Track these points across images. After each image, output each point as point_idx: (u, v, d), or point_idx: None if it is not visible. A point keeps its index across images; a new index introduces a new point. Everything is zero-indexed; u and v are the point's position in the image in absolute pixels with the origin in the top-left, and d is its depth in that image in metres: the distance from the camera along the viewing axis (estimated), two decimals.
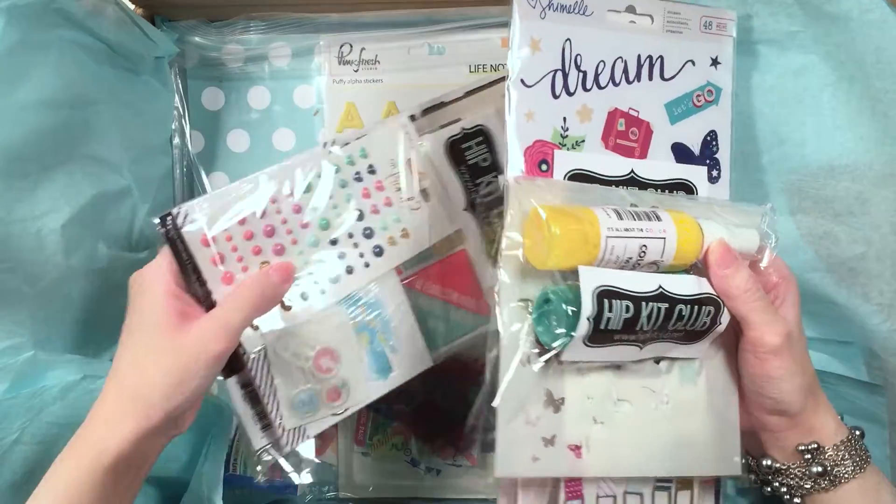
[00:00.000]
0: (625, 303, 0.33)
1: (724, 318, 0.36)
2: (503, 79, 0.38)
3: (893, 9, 0.42)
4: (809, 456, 0.36)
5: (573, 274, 0.34)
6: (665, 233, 0.35)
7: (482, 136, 0.44)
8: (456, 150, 0.44)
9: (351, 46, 0.56)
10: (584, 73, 0.38)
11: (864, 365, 0.44)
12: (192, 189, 0.58)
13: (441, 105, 0.44)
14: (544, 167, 0.38)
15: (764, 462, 0.38)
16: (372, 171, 0.42)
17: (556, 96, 0.38)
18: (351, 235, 0.41)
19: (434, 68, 0.56)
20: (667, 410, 0.37)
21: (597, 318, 0.33)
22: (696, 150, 0.41)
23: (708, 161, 0.41)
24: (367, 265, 0.41)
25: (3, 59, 0.39)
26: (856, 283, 0.44)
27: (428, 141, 0.44)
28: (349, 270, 0.41)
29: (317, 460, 0.56)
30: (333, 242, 0.41)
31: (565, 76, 0.38)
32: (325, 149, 0.41)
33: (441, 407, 0.56)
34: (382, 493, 0.57)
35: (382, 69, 0.56)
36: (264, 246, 0.39)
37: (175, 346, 0.34)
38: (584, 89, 0.38)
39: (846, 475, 0.36)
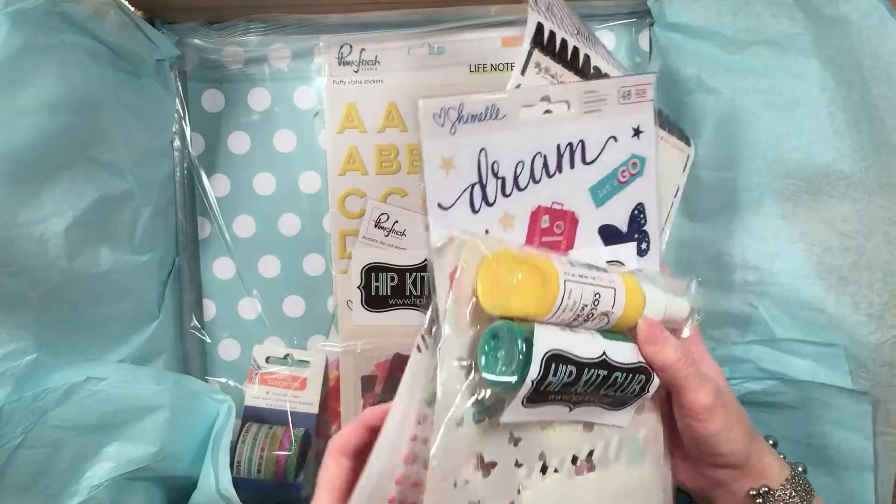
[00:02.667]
0: (569, 367, 0.33)
1: (652, 388, 0.36)
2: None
3: (893, 14, 0.42)
4: (761, 500, 0.37)
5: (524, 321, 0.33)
6: (614, 283, 0.35)
7: None
8: None
9: (351, 47, 0.57)
10: (503, 179, 0.36)
11: (848, 373, 0.44)
12: (193, 191, 0.59)
13: None
14: None
15: None
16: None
17: (475, 211, 0.36)
18: None
19: (434, 68, 0.56)
20: (600, 486, 0.37)
21: (540, 381, 0.32)
22: (624, 227, 0.40)
23: (637, 235, 0.40)
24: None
25: (6, 63, 0.39)
26: (845, 293, 0.44)
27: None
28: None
29: None
30: None
31: (483, 188, 0.36)
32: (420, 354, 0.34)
33: None
34: None
35: (382, 70, 0.57)
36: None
37: None
38: (504, 195, 0.36)
39: None
